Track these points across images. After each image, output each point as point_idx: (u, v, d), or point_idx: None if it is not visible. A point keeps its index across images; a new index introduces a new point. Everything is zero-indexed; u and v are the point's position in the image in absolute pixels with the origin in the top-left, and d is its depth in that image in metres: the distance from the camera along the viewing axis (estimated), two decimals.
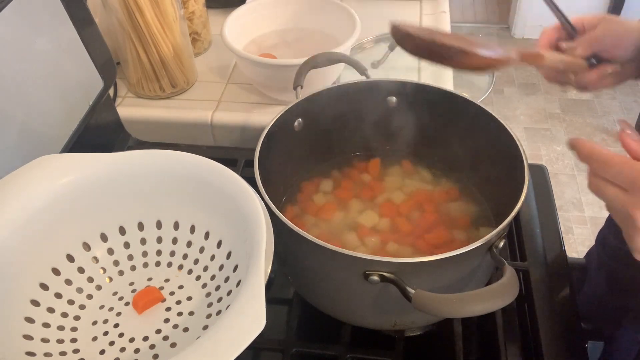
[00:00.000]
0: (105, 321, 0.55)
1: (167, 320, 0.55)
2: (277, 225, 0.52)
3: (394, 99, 0.68)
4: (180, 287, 0.58)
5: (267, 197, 0.53)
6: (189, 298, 0.57)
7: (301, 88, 0.67)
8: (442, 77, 1.00)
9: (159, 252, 0.60)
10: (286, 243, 0.56)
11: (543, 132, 2.32)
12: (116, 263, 0.60)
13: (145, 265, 0.60)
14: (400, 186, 0.69)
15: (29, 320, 0.52)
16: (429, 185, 0.69)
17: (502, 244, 0.52)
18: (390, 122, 0.70)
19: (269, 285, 0.46)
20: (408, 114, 0.68)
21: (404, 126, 0.69)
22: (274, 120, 0.62)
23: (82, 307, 0.56)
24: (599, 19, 0.59)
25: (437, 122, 0.67)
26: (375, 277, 0.47)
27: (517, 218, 0.71)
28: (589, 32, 0.59)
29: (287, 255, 0.59)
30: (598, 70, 0.58)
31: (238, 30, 0.89)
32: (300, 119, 0.66)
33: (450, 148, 0.68)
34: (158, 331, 0.54)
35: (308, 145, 0.69)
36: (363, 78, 0.68)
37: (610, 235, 0.79)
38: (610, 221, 0.80)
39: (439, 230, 0.63)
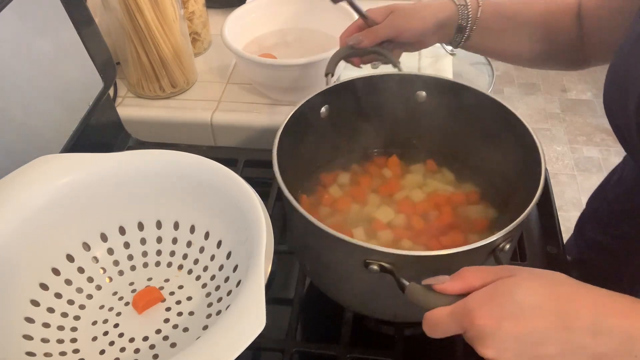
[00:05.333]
0: (105, 321, 0.55)
1: (167, 320, 0.55)
2: (287, 208, 0.51)
3: (423, 94, 0.67)
4: (180, 287, 0.58)
5: (279, 176, 0.53)
6: (189, 298, 0.57)
7: (332, 76, 0.67)
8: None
9: (159, 252, 0.60)
10: (296, 227, 0.56)
11: (543, 132, 2.31)
12: (116, 263, 0.60)
13: (145, 265, 0.60)
14: (420, 185, 0.68)
15: (29, 320, 0.52)
16: (450, 187, 0.68)
17: (508, 247, 0.51)
18: (417, 118, 0.68)
19: (268, 285, 0.46)
20: (436, 112, 0.67)
21: (431, 124, 0.68)
22: (304, 101, 0.61)
23: (82, 307, 0.56)
24: (387, 10, 0.68)
25: (464, 122, 0.66)
26: (375, 267, 0.48)
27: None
28: (378, 25, 0.68)
29: (296, 240, 0.59)
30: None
31: (238, 30, 0.89)
32: (327, 106, 0.65)
33: (476, 151, 0.67)
34: (158, 331, 0.54)
35: (331, 135, 0.68)
36: (394, 70, 0.67)
37: (588, 226, 0.79)
38: (588, 210, 0.80)
39: (454, 233, 0.62)
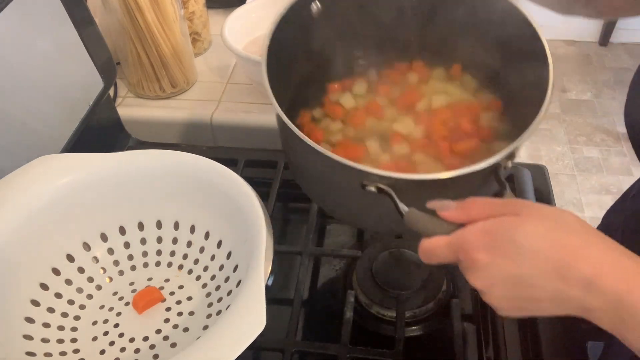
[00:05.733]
0: (106, 321, 0.55)
1: (167, 320, 0.55)
2: (281, 125, 0.48)
3: None
4: (181, 287, 0.58)
5: (269, 88, 0.48)
6: (189, 298, 0.57)
7: None
8: None
9: (159, 252, 0.60)
10: (293, 149, 0.53)
11: (543, 132, 2.31)
12: (116, 263, 0.60)
13: (146, 265, 0.60)
14: (442, 91, 0.62)
15: (29, 320, 0.52)
16: (470, 95, 0.62)
17: (510, 163, 0.48)
18: (433, 16, 0.60)
19: (268, 285, 0.46)
20: (457, 11, 0.59)
21: (450, 24, 0.60)
22: (288, 6, 0.55)
23: (82, 307, 0.56)
24: None
25: (488, 27, 0.58)
26: (372, 188, 0.46)
27: None
28: None
29: (294, 161, 0.56)
30: None
31: (238, 30, 0.89)
32: (317, 1, 0.57)
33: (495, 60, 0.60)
34: (158, 331, 0.54)
35: (329, 39, 0.60)
36: None
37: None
38: (602, 225, 0.79)
39: (470, 141, 0.57)
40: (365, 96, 0.62)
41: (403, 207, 0.44)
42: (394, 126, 0.59)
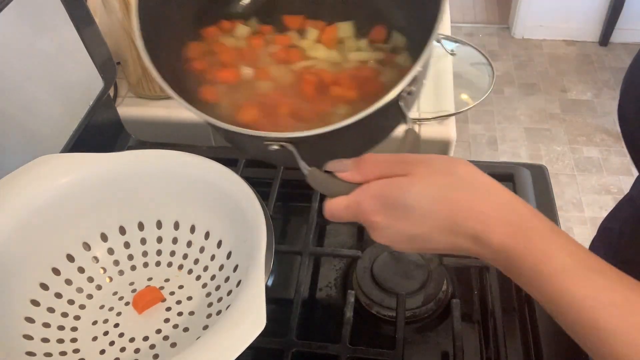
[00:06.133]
0: (106, 321, 0.55)
1: (167, 320, 0.55)
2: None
3: None
4: (181, 287, 0.58)
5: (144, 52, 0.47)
6: (189, 298, 0.57)
7: None
8: (442, 79, 1.00)
9: (159, 252, 0.60)
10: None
11: (543, 132, 2.32)
12: (116, 263, 0.60)
13: (146, 265, 0.60)
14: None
15: (29, 320, 0.52)
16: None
17: (412, 89, 0.46)
18: None
19: (268, 286, 0.46)
20: None
21: None
22: None
23: (82, 307, 0.56)
24: None
25: None
26: (275, 146, 0.46)
27: None
28: None
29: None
30: None
31: None
32: None
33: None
34: (158, 331, 0.54)
35: None
36: None
37: (599, 247, 0.78)
38: (599, 232, 0.79)
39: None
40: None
41: (304, 166, 0.44)
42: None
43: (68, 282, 0.56)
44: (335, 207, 0.43)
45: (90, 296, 0.57)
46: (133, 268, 0.60)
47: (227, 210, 0.55)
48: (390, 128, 0.52)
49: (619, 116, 0.57)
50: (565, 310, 0.37)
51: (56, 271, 0.56)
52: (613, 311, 0.35)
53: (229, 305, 0.45)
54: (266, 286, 0.45)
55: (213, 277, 0.57)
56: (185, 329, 0.54)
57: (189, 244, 0.60)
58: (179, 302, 0.57)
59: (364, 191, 0.42)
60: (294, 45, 0.58)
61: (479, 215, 0.39)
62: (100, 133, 0.78)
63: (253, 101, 0.54)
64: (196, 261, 0.59)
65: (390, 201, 0.40)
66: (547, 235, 0.38)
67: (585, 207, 2.01)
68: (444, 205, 0.39)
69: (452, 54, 1.05)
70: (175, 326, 0.55)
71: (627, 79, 0.56)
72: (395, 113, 0.47)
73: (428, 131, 0.90)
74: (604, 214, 0.80)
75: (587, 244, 0.82)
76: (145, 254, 0.60)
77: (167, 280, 0.59)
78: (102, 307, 0.57)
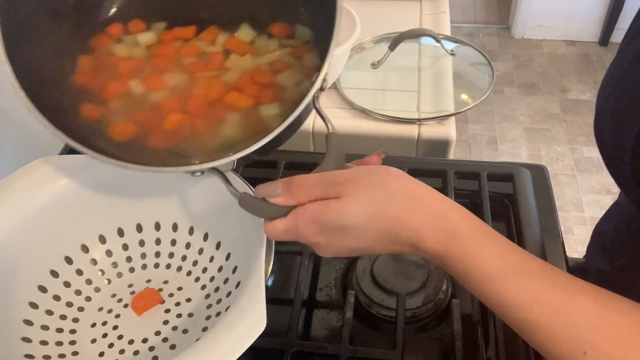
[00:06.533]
0: (104, 323, 0.55)
1: (166, 322, 0.55)
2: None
3: None
4: (179, 288, 0.58)
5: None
6: (188, 300, 0.57)
7: None
8: (442, 79, 1.00)
9: (157, 254, 0.60)
10: None
11: (543, 132, 2.31)
12: (115, 265, 0.60)
13: (144, 267, 0.60)
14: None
15: (28, 322, 0.52)
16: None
17: (324, 85, 0.46)
18: None
19: (268, 286, 0.46)
20: None
21: None
22: None
23: (80, 309, 0.56)
24: None
25: None
26: (199, 173, 0.46)
27: (517, 217, 0.71)
28: None
29: None
30: None
31: None
32: None
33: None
34: (157, 333, 0.54)
35: None
36: None
37: (593, 251, 0.78)
38: (593, 236, 0.79)
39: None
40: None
41: (235, 192, 0.44)
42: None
43: (66, 284, 0.56)
44: (275, 231, 0.43)
45: (88, 298, 0.57)
46: (131, 270, 0.60)
47: (227, 211, 0.55)
48: (300, 125, 0.50)
49: (595, 134, 0.57)
50: (502, 312, 0.39)
51: (54, 273, 0.56)
52: (543, 310, 0.37)
53: (228, 307, 0.45)
54: (266, 286, 0.45)
55: (212, 279, 0.57)
56: (185, 331, 0.54)
57: (188, 245, 0.60)
58: (177, 304, 0.56)
59: (300, 215, 0.42)
60: (205, 53, 0.55)
61: (412, 225, 0.40)
62: None
63: (133, 117, 0.51)
64: (195, 263, 0.59)
65: (327, 225, 0.41)
66: (477, 240, 0.39)
67: (585, 207, 2.01)
68: (379, 221, 0.40)
69: (452, 54, 1.05)
70: (175, 328, 0.54)
71: (600, 100, 0.56)
72: (306, 112, 0.47)
73: (428, 131, 0.90)
74: (595, 225, 0.80)
75: (587, 243, 0.82)
76: (143, 255, 0.60)
77: (165, 282, 0.59)
78: (100, 309, 0.57)
